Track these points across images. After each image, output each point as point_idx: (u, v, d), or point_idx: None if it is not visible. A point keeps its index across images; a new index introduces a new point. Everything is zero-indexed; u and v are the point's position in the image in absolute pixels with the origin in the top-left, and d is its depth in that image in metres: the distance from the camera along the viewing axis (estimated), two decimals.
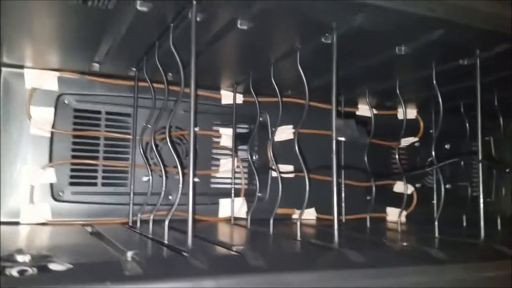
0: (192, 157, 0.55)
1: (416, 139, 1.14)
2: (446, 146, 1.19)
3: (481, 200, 0.72)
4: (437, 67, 0.79)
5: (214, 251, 0.57)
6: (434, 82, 0.80)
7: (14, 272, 0.42)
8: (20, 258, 0.47)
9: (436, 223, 0.77)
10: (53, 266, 0.44)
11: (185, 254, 0.51)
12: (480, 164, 0.73)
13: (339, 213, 0.96)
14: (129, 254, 0.50)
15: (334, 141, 0.61)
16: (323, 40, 0.67)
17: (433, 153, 0.81)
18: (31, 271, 0.42)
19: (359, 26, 0.61)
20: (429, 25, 0.62)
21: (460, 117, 1.08)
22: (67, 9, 0.58)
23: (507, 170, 1.02)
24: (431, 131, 1.14)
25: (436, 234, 0.76)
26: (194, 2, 0.54)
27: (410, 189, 1.11)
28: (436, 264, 0.57)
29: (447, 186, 1.18)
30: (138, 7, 0.55)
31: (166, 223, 0.60)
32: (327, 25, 0.63)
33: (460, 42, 0.68)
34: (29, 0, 0.55)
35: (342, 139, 0.62)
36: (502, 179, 1.27)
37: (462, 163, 1.09)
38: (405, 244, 0.68)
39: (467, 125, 1.07)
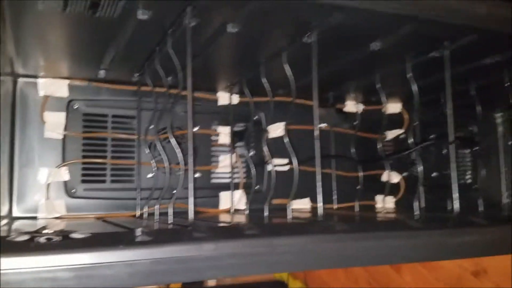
0: (190, 145, 0.63)
1: (402, 131, 1.22)
2: (431, 137, 1.26)
3: (455, 177, 0.79)
4: (411, 61, 0.87)
5: (214, 225, 0.65)
6: (409, 75, 0.88)
7: (42, 239, 0.49)
8: (46, 231, 0.54)
9: (416, 202, 0.84)
10: (74, 235, 0.52)
11: (188, 227, 0.59)
12: (450, 146, 0.80)
13: (326, 202, 1.03)
14: (139, 229, 0.58)
15: (317, 128, 0.69)
16: (305, 39, 0.75)
17: (411, 139, 0.89)
18: (56, 238, 0.50)
19: (334, 26, 0.68)
20: (396, 21, 0.69)
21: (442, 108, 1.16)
22: (77, 22, 0.66)
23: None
24: (415, 123, 1.22)
25: (416, 212, 0.83)
26: (188, 9, 0.63)
27: (397, 178, 1.18)
28: (410, 230, 0.65)
29: (433, 174, 1.26)
30: (139, 16, 0.63)
31: (171, 205, 0.68)
32: (307, 26, 0.70)
33: (428, 36, 0.76)
34: (44, 15, 0.64)
35: (324, 125, 0.69)
36: (490, 167, 1.36)
37: (447, 151, 1.16)
38: (384, 217, 0.75)
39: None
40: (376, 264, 0.60)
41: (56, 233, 0.53)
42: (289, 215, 0.75)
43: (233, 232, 0.58)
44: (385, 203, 1.00)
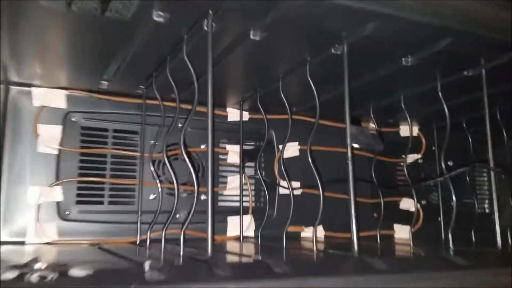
0: (211, 166, 0.54)
1: (419, 155, 1.15)
2: (449, 163, 1.20)
3: (496, 208, 0.72)
4: (442, 79, 0.80)
5: (235, 260, 0.56)
6: (440, 94, 0.81)
7: (34, 278, 0.40)
8: (37, 265, 0.45)
9: (450, 235, 0.77)
10: (72, 272, 0.43)
11: (206, 261, 0.50)
12: (492, 173, 0.73)
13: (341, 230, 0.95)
14: (147, 263, 0.49)
15: (349, 147, 0.61)
16: (332, 51, 0.68)
17: (443, 165, 0.81)
18: (51, 276, 0.41)
19: (368, 36, 0.62)
20: (438, 33, 0.63)
21: (462, 134, 1.10)
22: (83, 23, 0.59)
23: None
24: (433, 147, 1.16)
25: (451, 245, 0.75)
26: (211, 12, 0.55)
27: (414, 206, 1.10)
28: (459, 270, 0.57)
29: (452, 202, 1.19)
30: (155, 18, 0.56)
31: (182, 233, 0.59)
32: (337, 35, 0.64)
33: (465, 52, 0.69)
34: (46, 14, 0.56)
35: (356, 146, 0.62)
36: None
37: (468, 179, 1.09)
38: (422, 253, 0.67)
39: (470, 140, 1.09)
40: None
41: (51, 268, 0.44)
42: (314, 246, 0.66)
43: (258, 270, 0.49)
44: (403, 233, 0.92)
